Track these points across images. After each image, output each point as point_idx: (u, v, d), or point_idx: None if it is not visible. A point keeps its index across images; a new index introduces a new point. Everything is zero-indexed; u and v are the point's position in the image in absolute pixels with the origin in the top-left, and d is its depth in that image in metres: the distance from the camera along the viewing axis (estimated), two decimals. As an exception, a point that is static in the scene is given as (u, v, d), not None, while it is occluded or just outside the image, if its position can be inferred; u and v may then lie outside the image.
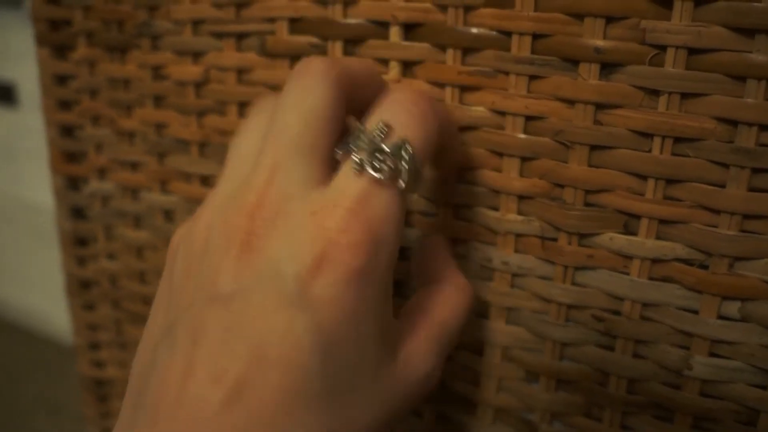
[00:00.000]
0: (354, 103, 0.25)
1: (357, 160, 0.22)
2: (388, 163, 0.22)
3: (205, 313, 0.20)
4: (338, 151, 0.23)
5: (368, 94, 0.26)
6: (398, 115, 0.23)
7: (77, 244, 0.45)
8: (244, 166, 0.24)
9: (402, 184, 0.22)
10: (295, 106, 0.23)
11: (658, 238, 0.27)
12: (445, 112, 0.27)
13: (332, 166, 0.23)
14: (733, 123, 0.25)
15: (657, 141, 0.26)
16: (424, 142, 0.23)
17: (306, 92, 0.23)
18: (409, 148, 0.22)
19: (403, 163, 0.22)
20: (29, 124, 0.98)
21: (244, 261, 0.21)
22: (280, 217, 0.22)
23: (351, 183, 0.22)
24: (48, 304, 1.12)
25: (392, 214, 0.22)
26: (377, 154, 0.22)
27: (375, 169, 0.22)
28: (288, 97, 0.24)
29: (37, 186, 0.79)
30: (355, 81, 0.25)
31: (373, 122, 0.23)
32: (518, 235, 0.29)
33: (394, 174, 0.22)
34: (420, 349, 0.25)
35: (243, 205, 0.22)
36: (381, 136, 0.23)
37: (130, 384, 0.23)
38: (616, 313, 0.29)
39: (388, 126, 0.23)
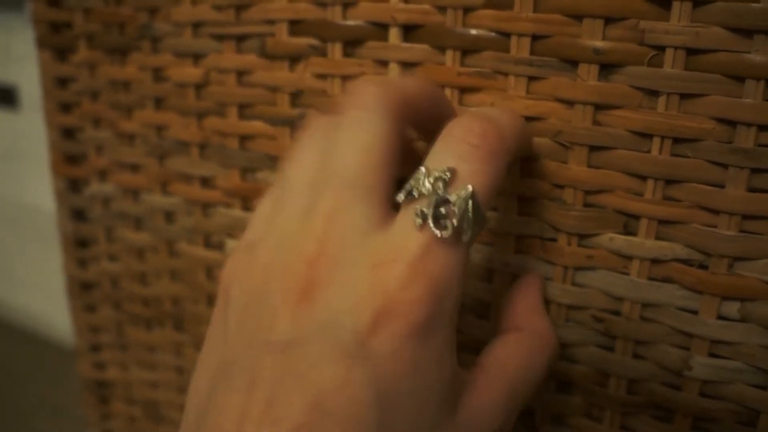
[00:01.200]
0: (418, 126, 0.25)
1: (419, 212, 0.21)
2: (453, 220, 0.21)
3: (263, 357, 0.20)
4: (400, 196, 0.22)
5: (432, 116, 0.25)
6: (464, 158, 0.22)
7: (78, 246, 0.45)
8: (301, 200, 0.23)
9: (465, 239, 0.21)
10: (351, 143, 0.22)
11: (657, 238, 0.27)
12: (516, 128, 0.25)
13: (392, 203, 0.22)
14: (732, 123, 0.25)
15: (656, 141, 0.26)
16: (490, 189, 0.22)
17: (363, 127, 0.22)
18: (476, 200, 0.21)
19: (468, 215, 0.21)
20: (30, 127, 0.98)
21: (304, 309, 0.21)
22: (340, 266, 0.21)
23: (412, 237, 0.21)
24: (49, 306, 1.12)
25: (454, 269, 0.21)
26: (440, 208, 0.21)
27: (438, 226, 0.21)
28: (344, 132, 0.23)
29: (39, 188, 0.79)
30: (416, 107, 0.24)
31: (437, 164, 0.22)
32: (518, 236, 0.30)
33: (458, 230, 0.21)
34: (487, 405, 0.23)
35: (303, 252, 0.21)
36: (445, 183, 0.21)
37: (186, 412, 0.23)
38: (616, 313, 0.29)
39: (452, 171, 0.21)
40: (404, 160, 0.24)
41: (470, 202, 0.21)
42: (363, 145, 0.22)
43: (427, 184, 0.21)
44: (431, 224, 0.21)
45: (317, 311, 0.21)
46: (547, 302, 0.30)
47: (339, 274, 0.21)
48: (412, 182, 0.22)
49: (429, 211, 0.21)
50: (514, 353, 0.25)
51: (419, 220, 0.21)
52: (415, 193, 0.21)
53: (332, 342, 0.20)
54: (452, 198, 0.21)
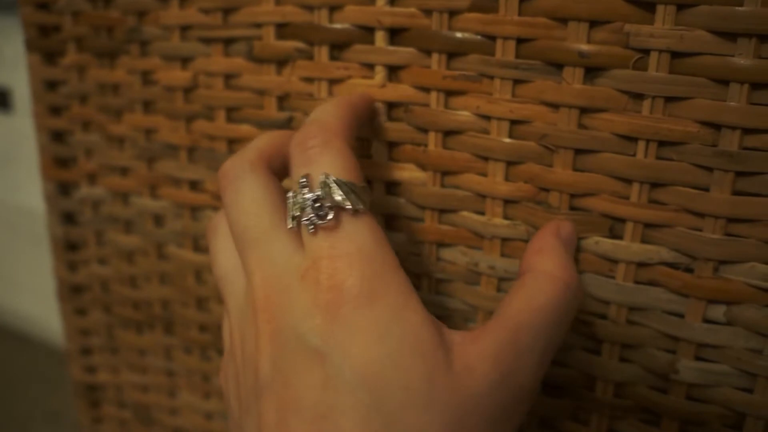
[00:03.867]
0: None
1: (306, 222, 0.23)
2: (327, 205, 0.23)
3: (260, 405, 0.23)
4: (290, 225, 0.24)
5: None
6: (307, 162, 0.25)
7: (68, 250, 0.45)
8: (238, 283, 0.26)
9: (350, 207, 0.23)
10: (238, 207, 0.25)
11: (643, 241, 0.27)
12: (339, 110, 0.27)
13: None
14: (717, 126, 0.25)
15: (641, 145, 0.26)
16: (342, 166, 0.24)
17: (238, 193, 0.26)
18: (332, 179, 0.24)
19: (334, 192, 0.23)
20: (24, 130, 0.98)
21: (273, 344, 0.23)
22: (284, 294, 0.23)
23: (315, 242, 0.23)
24: (44, 309, 1.12)
25: (361, 234, 0.23)
26: (316, 205, 0.23)
27: (323, 219, 0.23)
28: (229, 207, 0.26)
29: (33, 191, 0.79)
30: (272, 152, 0.27)
31: (294, 180, 0.25)
32: (504, 239, 0.29)
33: (339, 208, 0.23)
34: (488, 347, 0.23)
35: (256, 307, 0.24)
36: (306, 188, 0.24)
37: None
38: (603, 317, 0.29)
39: (306, 176, 0.24)
40: None
41: (330, 184, 0.23)
42: (247, 201, 0.25)
43: (298, 199, 0.24)
44: (318, 222, 0.23)
45: (282, 337, 0.23)
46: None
47: (285, 302, 0.23)
48: (289, 208, 0.24)
49: (312, 216, 0.23)
50: (517, 296, 0.25)
51: (311, 228, 0.23)
52: (297, 213, 0.24)
53: (302, 353, 0.22)
54: (318, 192, 0.23)
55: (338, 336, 0.22)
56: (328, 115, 0.26)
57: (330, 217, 0.23)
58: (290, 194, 0.24)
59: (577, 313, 0.29)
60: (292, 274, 0.23)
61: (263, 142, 0.27)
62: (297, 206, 0.24)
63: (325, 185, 0.23)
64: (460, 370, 0.22)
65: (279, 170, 0.27)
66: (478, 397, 0.22)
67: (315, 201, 0.23)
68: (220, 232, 0.28)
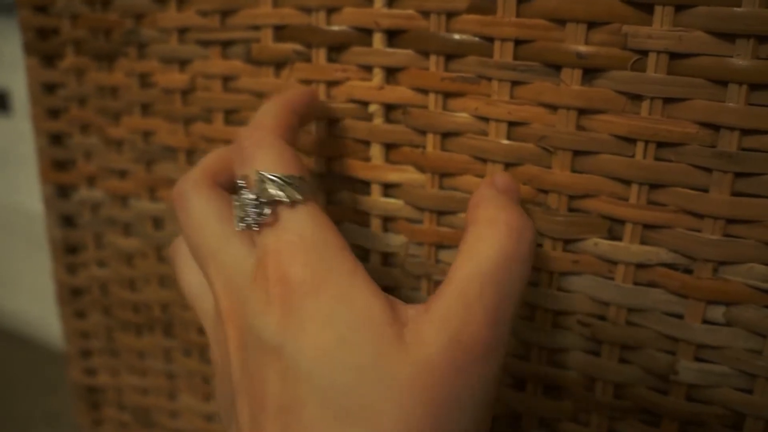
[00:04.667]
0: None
1: (251, 223, 0.24)
2: (263, 202, 0.24)
3: (236, 407, 0.23)
4: (239, 227, 0.24)
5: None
6: (243, 163, 0.25)
7: (67, 252, 0.45)
8: (206, 299, 0.27)
9: (286, 200, 0.24)
10: (189, 225, 0.26)
11: (642, 243, 0.27)
12: (274, 108, 0.27)
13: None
14: (715, 127, 0.25)
15: (640, 146, 0.26)
16: (274, 160, 0.25)
17: (187, 212, 0.26)
18: (267, 175, 0.24)
19: (272, 188, 0.24)
20: (23, 131, 0.98)
21: (239, 351, 0.24)
22: (241, 299, 0.24)
23: (261, 239, 0.24)
24: (44, 311, 1.12)
25: (302, 223, 0.23)
26: (258, 204, 0.24)
27: (263, 216, 0.24)
28: (182, 227, 0.27)
29: (32, 193, 0.79)
30: (218, 168, 0.28)
31: (236, 185, 0.25)
32: (503, 241, 0.29)
33: (276, 202, 0.24)
34: (434, 318, 0.22)
35: (221, 319, 0.25)
36: (245, 189, 0.24)
37: None
38: (602, 318, 0.29)
39: (243, 178, 0.25)
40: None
41: (265, 181, 0.24)
42: (196, 218, 0.26)
43: (241, 204, 0.24)
44: (260, 220, 0.24)
45: (245, 343, 0.23)
46: (533, 307, 0.30)
47: (244, 308, 0.23)
48: (234, 212, 0.25)
49: (255, 217, 0.24)
50: (459, 253, 0.24)
51: (255, 227, 0.24)
52: (241, 215, 0.24)
53: (263, 352, 0.22)
54: (255, 192, 0.24)
55: (290, 327, 0.22)
56: (262, 115, 0.27)
57: (267, 212, 0.23)
58: (234, 198, 0.25)
59: (578, 315, 0.29)
60: (246, 276, 0.24)
61: (208, 159, 0.28)
62: (240, 209, 0.24)
63: (261, 182, 0.24)
64: (411, 341, 0.22)
65: (228, 183, 0.28)
66: (429, 362, 0.21)
67: (254, 200, 0.24)
68: (180, 254, 0.28)
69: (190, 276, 0.28)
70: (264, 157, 0.25)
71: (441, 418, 0.21)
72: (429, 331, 0.22)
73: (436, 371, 0.21)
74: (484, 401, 0.22)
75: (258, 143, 0.25)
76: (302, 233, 0.23)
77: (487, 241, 0.23)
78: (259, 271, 0.23)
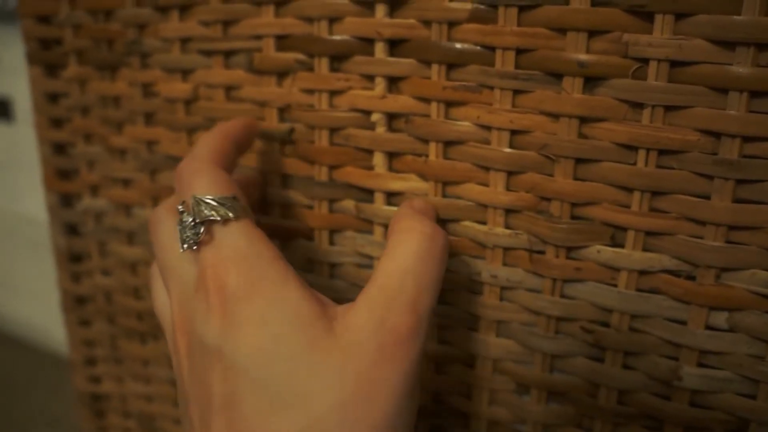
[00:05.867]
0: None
1: (191, 243, 0.26)
2: (198, 222, 0.26)
3: (189, 412, 0.25)
4: (182, 248, 0.26)
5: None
6: (181, 189, 0.28)
7: (72, 261, 0.45)
8: (169, 317, 0.28)
9: (219, 219, 0.25)
10: (155, 241, 0.29)
11: (644, 249, 0.27)
12: (208, 139, 0.30)
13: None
14: (716, 135, 0.25)
15: (641, 153, 0.26)
16: (206, 185, 0.27)
17: (156, 236, 0.29)
18: (200, 198, 0.26)
19: (202, 209, 0.26)
20: (25, 138, 0.98)
21: (188, 357, 0.25)
22: (188, 310, 0.26)
23: (201, 256, 0.26)
24: (46, 317, 1.12)
25: (231, 237, 0.25)
26: (195, 225, 0.26)
27: (199, 235, 0.26)
28: (154, 250, 0.29)
29: (35, 200, 0.79)
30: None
31: (176, 211, 0.27)
32: (506, 249, 0.30)
33: (210, 222, 0.26)
34: (362, 308, 0.24)
35: (174, 329, 0.26)
36: (185, 213, 0.26)
37: None
38: (605, 324, 0.29)
39: (182, 204, 0.27)
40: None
41: (197, 204, 0.26)
42: (163, 244, 0.28)
43: (182, 224, 0.26)
44: (197, 239, 0.26)
45: (193, 349, 0.25)
46: (536, 314, 0.30)
47: (189, 314, 0.25)
48: (179, 235, 0.26)
49: (192, 236, 0.26)
50: (381, 258, 0.26)
51: (194, 246, 0.26)
52: (185, 238, 0.26)
53: (207, 355, 0.24)
54: (193, 215, 0.26)
55: (229, 330, 0.24)
56: (199, 146, 0.29)
57: (202, 231, 0.25)
58: (177, 222, 0.27)
59: (581, 322, 0.29)
60: (192, 289, 0.26)
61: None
62: (182, 231, 0.26)
63: (196, 205, 0.26)
64: (339, 330, 0.24)
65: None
66: (358, 347, 0.23)
67: (192, 222, 0.26)
68: (154, 276, 0.30)
69: (159, 294, 0.29)
70: (199, 183, 0.27)
71: (372, 398, 0.23)
72: (356, 320, 0.24)
73: (364, 355, 0.23)
74: (409, 383, 0.24)
75: (193, 171, 0.27)
76: (236, 247, 0.25)
77: (405, 243, 0.26)
78: (200, 283, 0.25)
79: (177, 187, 0.28)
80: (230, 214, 0.26)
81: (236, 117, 0.34)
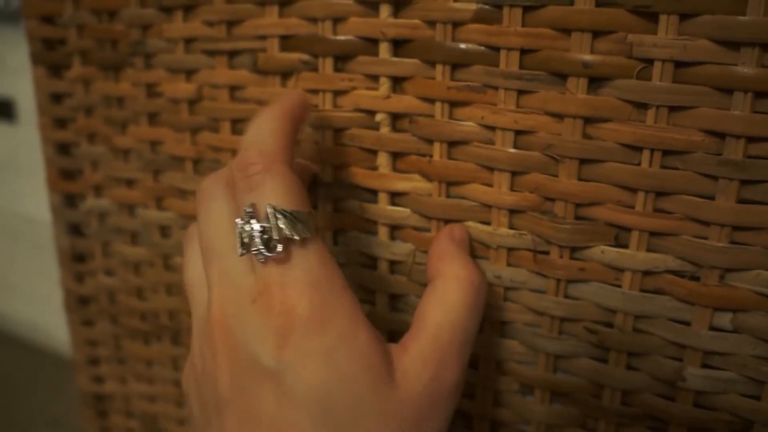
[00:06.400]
0: None
1: (255, 252, 0.24)
2: (275, 237, 0.24)
3: (221, 419, 0.25)
4: (240, 252, 0.25)
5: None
6: (249, 189, 0.25)
7: (75, 261, 0.45)
8: (202, 293, 0.27)
9: (297, 238, 0.24)
10: (206, 222, 0.27)
11: (648, 250, 0.27)
12: (274, 126, 0.27)
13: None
14: (721, 135, 0.25)
15: (646, 154, 0.26)
16: (284, 191, 0.25)
17: (209, 209, 0.27)
18: (278, 210, 0.24)
19: (281, 225, 0.24)
20: (28, 139, 0.98)
21: (230, 361, 0.25)
22: (238, 314, 0.25)
23: (265, 269, 0.24)
24: (49, 318, 1.13)
25: (311, 262, 0.24)
26: (264, 237, 0.24)
27: (271, 251, 0.24)
28: (200, 220, 0.27)
29: (37, 200, 0.79)
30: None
31: (240, 207, 0.25)
32: (510, 249, 0.30)
33: (288, 239, 0.24)
34: (417, 358, 0.25)
35: (213, 323, 0.25)
36: (253, 219, 0.25)
37: None
38: (609, 325, 0.29)
39: (251, 205, 0.25)
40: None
41: (277, 215, 0.24)
42: (214, 217, 0.27)
43: (246, 229, 0.25)
44: (267, 254, 0.24)
45: (239, 356, 0.24)
46: (540, 315, 0.30)
47: (239, 320, 0.25)
48: (237, 236, 0.25)
49: (261, 247, 0.24)
50: (429, 301, 0.27)
51: (261, 258, 0.24)
52: (246, 241, 0.25)
53: (258, 373, 0.24)
54: (265, 224, 0.24)
55: (289, 358, 0.23)
56: (264, 134, 0.27)
57: (279, 249, 0.24)
58: (238, 221, 0.25)
59: (584, 322, 0.29)
60: (245, 295, 0.25)
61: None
62: (246, 235, 0.25)
63: (273, 217, 0.24)
64: (399, 380, 0.25)
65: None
66: (414, 398, 0.25)
67: (262, 232, 0.24)
68: (192, 241, 0.29)
69: (193, 266, 0.28)
70: (274, 190, 0.25)
71: None
72: (413, 371, 0.25)
73: (419, 407, 0.25)
74: (449, 423, 0.26)
75: (267, 171, 0.25)
76: (309, 272, 0.24)
77: (455, 293, 0.27)
78: (262, 298, 0.24)
79: (242, 183, 0.26)
80: (307, 234, 0.24)
81: (289, 93, 0.30)
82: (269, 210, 0.24)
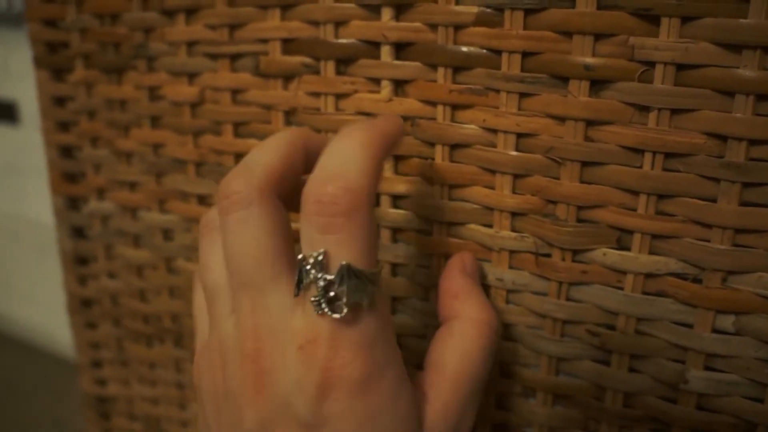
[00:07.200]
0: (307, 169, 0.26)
1: (313, 300, 0.23)
2: (343, 300, 0.22)
3: None
4: (295, 292, 0.23)
5: (308, 161, 0.26)
6: (327, 231, 0.22)
7: (78, 263, 0.45)
8: (224, 303, 0.26)
9: (366, 305, 0.23)
10: (239, 246, 0.24)
11: (651, 252, 0.27)
12: (367, 159, 0.24)
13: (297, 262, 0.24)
14: (723, 138, 0.25)
15: (648, 156, 0.26)
16: (362, 246, 0.23)
17: (245, 226, 0.24)
18: (352, 269, 0.22)
19: (356, 289, 0.22)
20: (31, 142, 0.99)
21: (261, 399, 0.24)
22: (276, 353, 0.23)
23: (319, 321, 0.23)
24: (52, 320, 1.13)
25: (370, 326, 0.23)
26: (330, 292, 0.22)
27: (333, 309, 0.22)
28: (231, 235, 0.24)
29: (41, 203, 0.79)
30: (283, 175, 0.25)
31: (310, 250, 0.23)
32: (512, 252, 0.30)
33: (353, 303, 0.23)
34: (439, 413, 0.25)
35: (244, 351, 0.24)
36: (322, 266, 0.23)
37: None
38: (611, 327, 0.29)
39: (323, 254, 0.23)
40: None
41: (350, 277, 0.22)
42: (250, 243, 0.24)
43: (312, 273, 0.23)
44: (327, 310, 0.22)
45: (271, 398, 0.23)
46: (542, 317, 0.30)
47: (278, 362, 0.23)
48: (298, 275, 0.23)
49: (322, 299, 0.22)
50: (447, 346, 0.27)
51: (317, 309, 0.23)
52: (305, 281, 0.23)
53: (292, 420, 0.23)
54: (334, 278, 0.22)
55: (328, 415, 0.23)
56: (354, 166, 0.23)
57: (344, 312, 0.22)
58: (301, 259, 0.23)
59: (587, 325, 0.29)
60: (289, 338, 0.23)
61: (273, 160, 0.25)
62: (308, 280, 0.23)
63: (345, 276, 0.22)
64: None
65: (287, 195, 0.26)
66: None
67: (328, 286, 0.22)
68: (215, 241, 0.26)
69: (218, 269, 0.26)
70: (352, 244, 0.23)
71: None
72: (439, 425, 0.25)
73: None
74: None
75: (350, 218, 0.22)
76: (366, 335, 0.23)
77: (474, 340, 0.27)
78: (310, 347, 0.23)
79: (315, 206, 0.23)
80: (375, 298, 0.23)
81: (388, 119, 0.27)
82: (342, 267, 0.22)
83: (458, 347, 0.27)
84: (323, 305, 0.22)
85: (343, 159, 0.23)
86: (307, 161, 0.26)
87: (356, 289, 0.22)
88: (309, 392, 0.23)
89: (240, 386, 0.24)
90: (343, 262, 0.22)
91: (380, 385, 0.23)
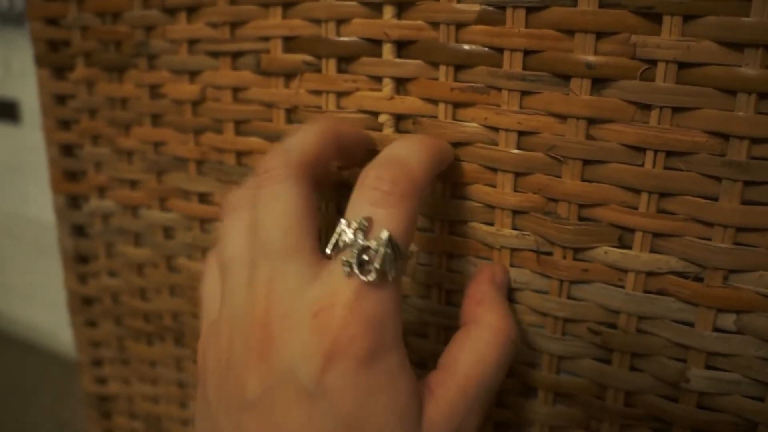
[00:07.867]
0: (342, 160, 0.28)
1: (345, 262, 0.23)
2: (375, 264, 0.23)
3: (241, 417, 0.24)
4: (328, 249, 0.24)
5: (346, 150, 0.29)
6: (378, 204, 0.24)
7: (79, 262, 0.45)
8: (241, 274, 0.26)
9: (391, 277, 0.23)
10: (271, 215, 0.25)
11: (652, 251, 0.27)
12: (427, 162, 0.26)
13: (320, 251, 0.25)
14: (725, 136, 0.25)
15: (649, 155, 0.26)
16: (405, 228, 0.24)
17: (277, 199, 0.25)
18: (393, 242, 0.23)
19: (389, 257, 0.23)
20: (33, 141, 0.98)
21: (265, 366, 0.24)
22: (287, 321, 0.24)
23: (344, 284, 0.23)
24: (53, 320, 1.13)
25: (387, 303, 0.24)
26: (363, 255, 0.23)
27: (363, 272, 0.23)
28: (262, 208, 0.25)
29: (42, 202, 0.79)
30: (318, 160, 0.27)
31: (355, 215, 0.24)
32: (513, 250, 0.30)
33: (382, 272, 0.23)
34: (445, 408, 0.25)
35: (254, 318, 0.24)
36: (364, 232, 0.23)
37: None
38: (612, 326, 0.29)
39: (369, 220, 0.24)
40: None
41: (388, 245, 0.23)
42: (281, 215, 0.25)
43: (350, 234, 0.23)
44: (357, 272, 0.23)
45: (276, 365, 0.23)
46: (543, 315, 0.30)
47: (287, 328, 0.24)
48: (336, 234, 0.24)
49: (354, 260, 0.23)
50: (461, 348, 0.27)
51: (347, 269, 0.23)
52: (341, 244, 0.24)
53: (293, 388, 0.23)
54: (372, 244, 0.23)
55: (330, 386, 0.23)
56: (417, 160, 0.25)
57: (372, 277, 0.23)
58: (344, 223, 0.24)
59: (588, 323, 0.29)
60: (305, 306, 0.24)
61: (310, 144, 0.27)
62: (343, 241, 0.24)
63: (383, 246, 0.23)
64: (425, 428, 0.24)
65: (319, 177, 0.27)
66: None
67: (363, 249, 0.23)
68: (240, 217, 0.27)
69: (236, 243, 0.27)
70: (400, 221, 0.24)
71: None
72: (440, 423, 0.25)
73: None
74: None
75: (402, 199, 0.24)
76: (381, 312, 0.23)
77: (490, 347, 0.27)
78: (324, 316, 0.23)
79: (376, 181, 0.24)
80: (398, 275, 0.24)
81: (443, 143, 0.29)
82: (384, 236, 0.23)
83: (472, 350, 0.27)
84: (354, 266, 0.23)
85: (409, 151, 0.26)
86: (339, 150, 0.28)
87: (390, 259, 0.23)
88: (315, 361, 0.23)
89: (244, 353, 0.24)
90: (386, 231, 0.23)
91: (384, 363, 0.23)
